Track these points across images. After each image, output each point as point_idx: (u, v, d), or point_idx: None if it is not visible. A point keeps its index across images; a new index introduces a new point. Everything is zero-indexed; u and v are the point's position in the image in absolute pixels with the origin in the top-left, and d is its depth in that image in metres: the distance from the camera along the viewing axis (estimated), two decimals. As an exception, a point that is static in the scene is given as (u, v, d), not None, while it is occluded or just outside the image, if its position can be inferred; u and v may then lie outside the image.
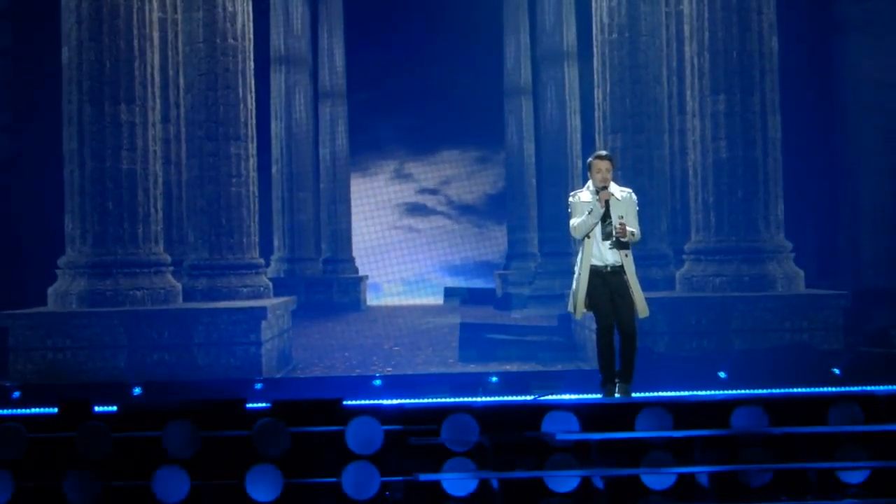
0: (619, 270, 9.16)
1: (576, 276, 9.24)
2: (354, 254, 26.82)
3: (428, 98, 26.94)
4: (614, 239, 9.08)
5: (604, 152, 9.44)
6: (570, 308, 9.36)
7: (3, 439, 8.49)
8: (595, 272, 9.15)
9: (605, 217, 9.14)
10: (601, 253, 9.17)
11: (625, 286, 9.15)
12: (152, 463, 8.42)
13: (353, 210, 27.05)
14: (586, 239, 9.17)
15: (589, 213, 9.10)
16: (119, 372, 14.07)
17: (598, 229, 9.15)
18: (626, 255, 9.18)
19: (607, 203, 9.11)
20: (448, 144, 28.07)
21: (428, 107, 27.01)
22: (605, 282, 9.15)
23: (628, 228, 9.08)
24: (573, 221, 9.22)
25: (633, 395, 9.27)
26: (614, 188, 9.21)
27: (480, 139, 27.63)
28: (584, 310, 9.22)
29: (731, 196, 14.73)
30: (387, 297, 27.50)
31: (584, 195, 9.25)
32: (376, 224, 28.33)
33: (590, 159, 9.35)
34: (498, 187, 27.79)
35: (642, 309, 9.22)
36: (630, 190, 9.39)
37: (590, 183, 9.27)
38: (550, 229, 22.12)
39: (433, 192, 28.71)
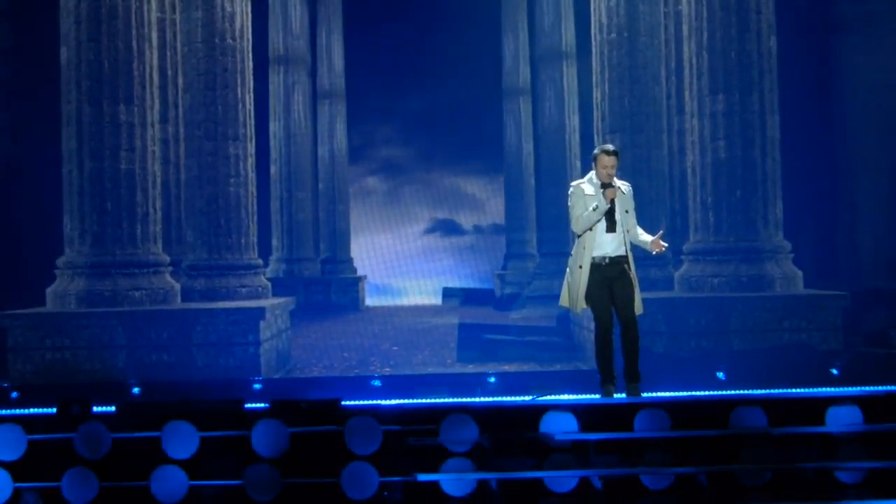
0: (617, 261, 9.15)
1: (573, 268, 9.18)
2: (353, 254, 26.82)
3: (427, 100, 26.90)
4: (655, 253, 9.28)
5: (611, 147, 9.26)
6: (567, 303, 9.29)
7: (2, 439, 8.48)
8: (595, 266, 9.13)
9: (609, 211, 9.11)
10: (601, 245, 9.13)
11: (625, 275, 9.14)
12: (151, 463, 8.41)
13: (353, 217, 27.03)
14: (587, 231, 9.13)
15: (594, 210, 9.06)
16: (118, 372, 14.07)
17: (600, 222, 9.12)
18: (630, 249, 9.19)
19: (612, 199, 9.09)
20: (448, 147, 28.01)
21: (427, 110, 26.97)
22: (604, 276, 9.12)
23: (662, 244, 9.27)
24: (576, 214, 9.13)
25: (632, 395, 9.27)
26: (617, 182, 9.17)
27: (480, 141, 27.57)
28: (584, 305, 9.19)
29: (729, 196, 14.73)
30: (402, 298, 27.45)
31: (586, 186, 9.17)
32: (375, 230, 28.29)
33: (596, 152, 9.21)
34: (498, 195, 27.69)
35: (637, 305, 9.21)
36: (628, 182, 9.36)
37: (592, 174, 9.19)
38: (549, 229, 22.09)
39: (433, 200, 28.66)
